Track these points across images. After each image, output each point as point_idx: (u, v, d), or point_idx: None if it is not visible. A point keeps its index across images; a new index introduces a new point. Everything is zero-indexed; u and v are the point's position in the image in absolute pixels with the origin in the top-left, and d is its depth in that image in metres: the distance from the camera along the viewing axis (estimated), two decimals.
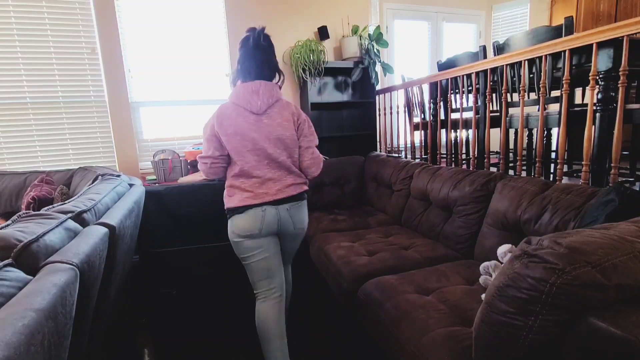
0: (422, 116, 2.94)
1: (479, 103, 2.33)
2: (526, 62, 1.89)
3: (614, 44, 1.49)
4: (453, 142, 2.85)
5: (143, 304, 2.36)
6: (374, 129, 3.49)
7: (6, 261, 0.75)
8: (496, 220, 1.67)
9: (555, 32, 1.90)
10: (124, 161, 2.92)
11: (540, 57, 1.82)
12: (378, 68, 3.30)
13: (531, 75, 2.00)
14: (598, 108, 1.60)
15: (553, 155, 2.60)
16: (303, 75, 3.09)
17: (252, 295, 1.54)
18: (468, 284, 1.45)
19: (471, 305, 1.25)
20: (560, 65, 1.80)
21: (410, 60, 4.17)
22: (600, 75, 1.57)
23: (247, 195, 1.43)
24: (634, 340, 0.60)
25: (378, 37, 3.20)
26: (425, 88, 2.86)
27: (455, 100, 2.73)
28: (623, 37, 1.40)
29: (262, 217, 1.43)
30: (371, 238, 2.10)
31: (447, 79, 2.57)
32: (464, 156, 2.68)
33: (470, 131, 2.39)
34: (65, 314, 0.77)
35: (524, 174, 2.21)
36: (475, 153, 2.34)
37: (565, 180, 1.79)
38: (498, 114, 2.28)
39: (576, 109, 1.85)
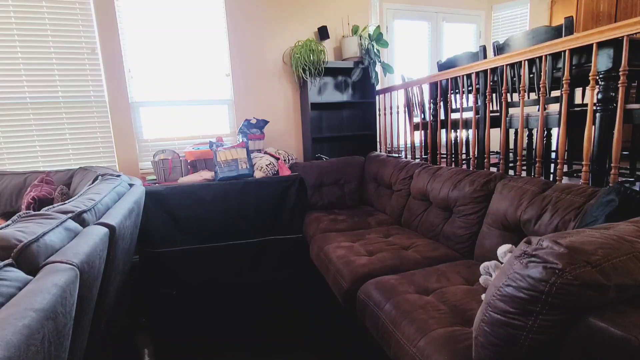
0: (422, 116, 2.94)
1: (479, 103, 2.33)
2: (526, 62, 1.89)
3: (614, 44, 1.49)
4: (453, 142, 2.85)
5: (143, 304, 2.36)
6: (374, 129, 3.49)
7: (6, 261, 0.75)
8: (496, 220, 1.67)
9: (555, 32, 1.89)
10: (124, 161, 2.91)
11: (540, 57, 1.82)
12: (378, 68, 3.30)
13: (531, 75, 2.00)
14: (598, 108, 1.60)
15: (553, 155, 2.60)
16: (303, 75, 3.10)
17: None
18: (468, 284, 1.45)
19: (471, 305, 1.25)
20: (560, 65, 1.80)
21: (410, 60, 4.17)
22: (600, 75, 1.57)
23: None
24: (634, 340, 0.60)
25: (378, 37, 3.20)
26: (425, 88, 2.86)
27: (455, 100, 2.73)
28: (623, 37, 1.39)
29: None
30: (371, 238, 2.10)
31: (447, 79, 2.57)
32: (464, 156, 2.68)
33: (470, 131, 2.39)
34: (65, 314, 0.77)
35: (524, 174, 2.21)
36: (475, 153, 2.34)
37: (565, 180, 1.79)
38: (498, 114, 2.28)
39: (576, 109, 1.85)
